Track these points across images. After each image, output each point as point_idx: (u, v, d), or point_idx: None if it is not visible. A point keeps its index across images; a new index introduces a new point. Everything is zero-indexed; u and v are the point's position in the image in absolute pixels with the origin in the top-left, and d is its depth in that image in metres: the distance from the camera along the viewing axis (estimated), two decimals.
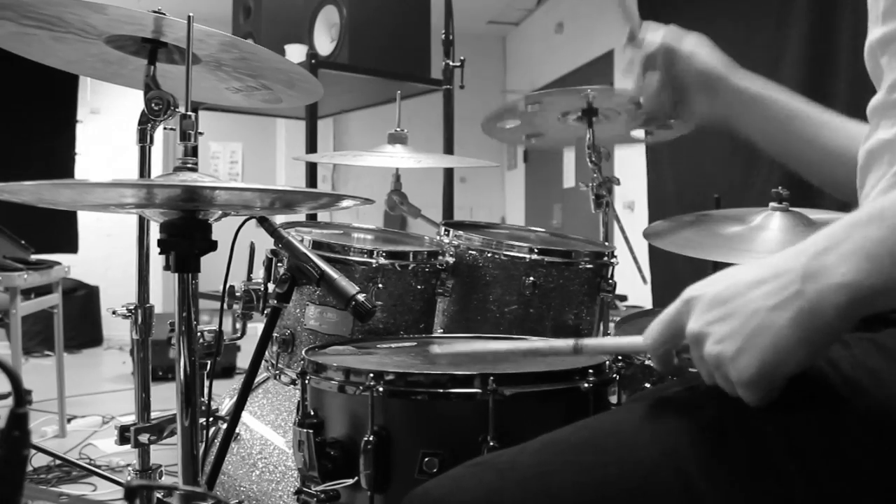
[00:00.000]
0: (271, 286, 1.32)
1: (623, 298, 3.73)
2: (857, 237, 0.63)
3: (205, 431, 1.31)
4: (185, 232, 1.03)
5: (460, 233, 1.57)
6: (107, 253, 6.04)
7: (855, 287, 0.62)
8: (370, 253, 1.44)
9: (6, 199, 0.97)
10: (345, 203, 1.14)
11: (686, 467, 0.69)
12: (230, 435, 1.24)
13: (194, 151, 1.06)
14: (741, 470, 0.68)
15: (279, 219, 1.31)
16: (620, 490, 0.70)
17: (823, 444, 0.67)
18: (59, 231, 4.26)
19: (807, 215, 1.61)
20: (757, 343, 0.64)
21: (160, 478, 1.39)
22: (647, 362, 1.30)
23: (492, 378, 1.01)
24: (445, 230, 1.59)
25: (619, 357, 1.30)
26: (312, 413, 1.13)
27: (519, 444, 0.78)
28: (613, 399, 1.18)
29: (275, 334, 1.46)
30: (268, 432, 1.62)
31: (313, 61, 2.77)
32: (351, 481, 1.05)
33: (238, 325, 1.37)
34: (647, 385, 1.28)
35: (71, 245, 4.33)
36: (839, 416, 0.69)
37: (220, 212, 1.06)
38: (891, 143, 0.82)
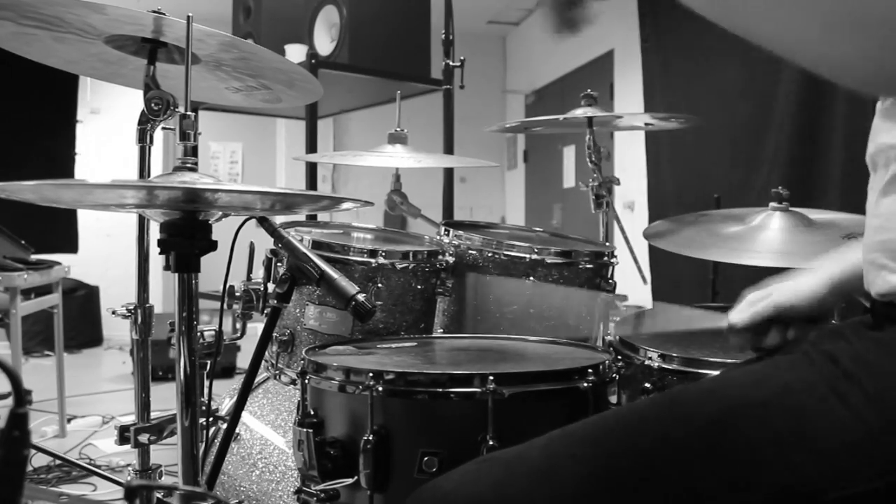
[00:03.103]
0: (271, 286, 1.32)
1: (623, 298, 3.73)
2: None
3: (205, 431, 1.31)
4: (185, 232, 1.03)
5: (460, 233, 1.57)
6: (107, 253, 6.03)
7: None
8: (370, 253, 1.44)
9: (6, 198, 0.97)
10: (345, 206, 1.14)
11: (688, 460, 0.71)
12: (230, 435, 1.24)
13: (194, 151, 1.06)
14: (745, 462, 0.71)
15: (279, 218, 1.31)
16: (627, 479, 0.72)
17: (808, 444, 0.70)
18: (59, 231, 4.25)
19: (807, 215, 1.61)
20: None
21: (160, 478, 1.39)
22: (646, 362, 1.30)
23: (491, 378, 1.01)
24: (445, 230, 1.59)
25: (619, 357, 1.30)
26: (312, 412, 1.13)
27: (526, 442, 0.80)
28: (613, 399, 1.19)
29: (275, 334, 1.46)
30: (268, 432, 1.62)
31: (313, 61, 2.77)
32: (350, 481, 1.05)
33: (238, 325, 1.37)
34: (647, 385, 1.28)
35: (71, 245, 4.32)
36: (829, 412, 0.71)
37: (220, 212, 1.06)
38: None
